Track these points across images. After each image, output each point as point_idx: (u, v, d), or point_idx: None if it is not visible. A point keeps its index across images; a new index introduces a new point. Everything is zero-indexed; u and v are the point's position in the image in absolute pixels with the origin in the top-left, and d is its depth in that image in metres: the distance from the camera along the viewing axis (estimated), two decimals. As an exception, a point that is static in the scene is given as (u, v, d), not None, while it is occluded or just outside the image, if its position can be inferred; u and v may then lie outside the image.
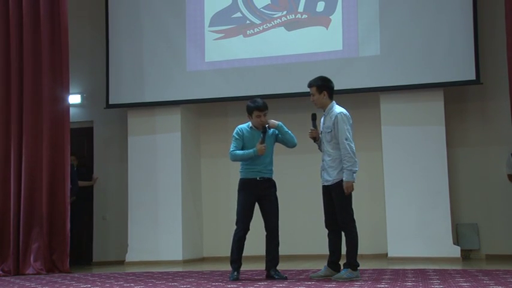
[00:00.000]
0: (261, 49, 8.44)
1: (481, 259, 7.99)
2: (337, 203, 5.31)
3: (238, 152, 5.58)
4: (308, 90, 5.58)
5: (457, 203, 8.20)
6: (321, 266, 5.69)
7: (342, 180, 5.26)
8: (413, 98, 8.05)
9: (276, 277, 5.44)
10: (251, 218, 5.58)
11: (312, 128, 5.52)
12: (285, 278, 5.42)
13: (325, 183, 5.41)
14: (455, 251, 7.68)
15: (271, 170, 5.67)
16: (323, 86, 5.43)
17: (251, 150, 5.52)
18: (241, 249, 5.56)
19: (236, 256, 5.55)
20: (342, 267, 5.38)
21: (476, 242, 8.12)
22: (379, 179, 8.18)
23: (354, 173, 5.25)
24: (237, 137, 5.65)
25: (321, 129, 5.50)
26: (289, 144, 5.69)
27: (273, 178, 5.69)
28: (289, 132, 5.66)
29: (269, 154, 5.62)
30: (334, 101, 5.49)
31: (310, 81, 5.50)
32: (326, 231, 5.53)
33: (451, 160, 8.09)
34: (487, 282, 4.74)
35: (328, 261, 5.48)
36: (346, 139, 5.27)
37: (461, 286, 4.51)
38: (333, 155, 5.33)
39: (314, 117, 5.54)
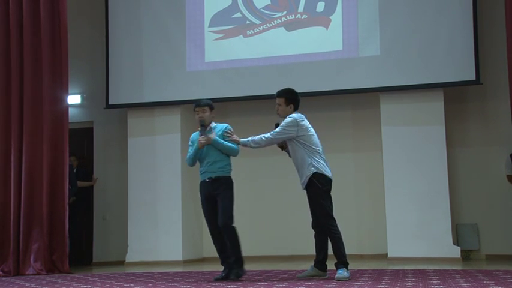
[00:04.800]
0: (261, 49, 8.43)
1: (481, 259, 7.99)
2: (312, 203, 5.40)
3: (188, 154, 5.79)
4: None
5: (457, 203, 8.20)
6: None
7: (311, 177, 5.33)
8: (413, 98, 8.05)
9: (231, 277, 5.54)
10: (214, 215, 5.59)
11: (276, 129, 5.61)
12: (238, 276, 5.51)
13: (302, 186, 5.49)
14: (455, 251, 7.69)
15: (221, 168, 5.62)
16: (292, 99, 5.54)
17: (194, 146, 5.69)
18: (218, 243, 5.65)
19: (218, 250, 5.68)
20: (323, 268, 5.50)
21: (476, 242, 8.12)
22: (379, 179, 8.18)
23: (247, 146, 5.56)
24: (189, 143, 5.86)
25: None
26: (230, 155, 5.72)
27: (229, 175, 5.66)
28: (225, 144, 5.63)
29: (212, 154, 5.64)
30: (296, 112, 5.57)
31: (280, 91, 5.60)
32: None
33: (451, 160, 8.09)
34: (487, 282, 4.74)
35: (314, 261, 5.55)
36: (273, 132, 5.43)
37: (461, 286, 4.51)
38: (298, 158, 5.44)
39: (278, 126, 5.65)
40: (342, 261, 5.28)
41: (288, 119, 5.43)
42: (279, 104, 5.56)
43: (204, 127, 5.72)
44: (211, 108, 5.90)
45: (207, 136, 5.64)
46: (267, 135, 5.48)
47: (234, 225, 5.51)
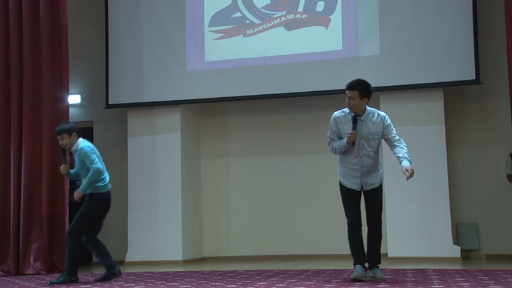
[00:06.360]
0: (260, 49, 8.43)
1: (481, 259, 7.99)
2: (379, 204, 5.27)
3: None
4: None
5: (457, 203, 8.19)
6: (322, 265, 5.68)
7: (381, 183, 5.30)
8: (413, 97, 8.04)
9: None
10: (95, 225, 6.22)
11: (354, 130, 5.11)
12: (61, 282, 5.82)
13: (370, 187, 5.20)
14: (455, 251, 7.68)
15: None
16: (367, 91, 5.15)
17: None
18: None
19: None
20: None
21: (476, 242, 8.12)
22: (379, 178, 8.16)
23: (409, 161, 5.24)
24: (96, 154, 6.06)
25: (361, 134, 5.14)
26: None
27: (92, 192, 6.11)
28: (87, 184, 5.94)
29: (80, 174, 5.96)
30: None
31: (353, 84, 5.17)
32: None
33: (451, 160, 8.09)
34: (487, 282, 4.74)
35: (362, 262, 5.14)
36: (400, 138, 5.30)
37: (461, 286, 4.51)
38: (376, 159, 5.26)
39: (356, 120, 5.14)
40: (380, 262, 5.24)
41: (389, 120, 5.27)
42: (352, 98, 5.08)
43: (64, 154, 5.97)
44: (69, 132, 5.91)
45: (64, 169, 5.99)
46: (404, 144, 5.25)
47: (77, 235, 5.91)
